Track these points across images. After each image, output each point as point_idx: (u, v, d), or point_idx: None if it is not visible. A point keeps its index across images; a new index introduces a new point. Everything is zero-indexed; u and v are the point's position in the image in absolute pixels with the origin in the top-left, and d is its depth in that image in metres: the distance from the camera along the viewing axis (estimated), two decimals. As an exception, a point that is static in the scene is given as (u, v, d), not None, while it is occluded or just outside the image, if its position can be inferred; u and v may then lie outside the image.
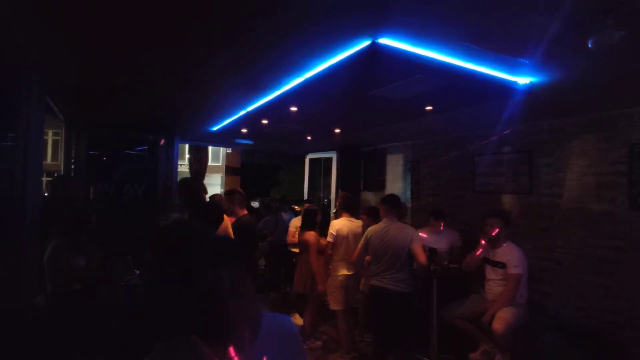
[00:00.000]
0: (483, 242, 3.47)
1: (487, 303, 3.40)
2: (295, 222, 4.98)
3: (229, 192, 3.96)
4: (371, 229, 3.48)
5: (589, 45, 1.69)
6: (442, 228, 4.19)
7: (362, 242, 3.50)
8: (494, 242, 3.42)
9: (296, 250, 4.80)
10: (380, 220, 3.53)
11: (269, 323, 1.03)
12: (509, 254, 3.30)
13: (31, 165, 2.27)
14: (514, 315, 3.16)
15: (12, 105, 2.19)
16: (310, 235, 3.93)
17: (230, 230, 3.31)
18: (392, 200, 3.53)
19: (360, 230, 3.99)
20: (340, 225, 3.87)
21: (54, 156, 20.02)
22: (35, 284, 2.44)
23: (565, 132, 3.60)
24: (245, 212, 3.86)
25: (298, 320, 4.54)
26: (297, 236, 4.90)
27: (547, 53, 2.03)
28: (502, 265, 3.31)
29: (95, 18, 1.86)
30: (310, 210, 4.13)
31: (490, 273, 3.42)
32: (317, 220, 4.07)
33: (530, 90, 2.67)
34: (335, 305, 3.83)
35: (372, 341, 3.75)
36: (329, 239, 3.83)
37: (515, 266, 3.22)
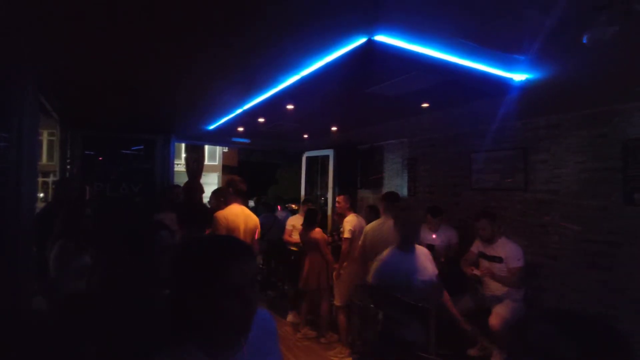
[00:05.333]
0: (479, 243, 3.55)
1: (485, 298, 3.42)
2: (292, 221, 4.98)
3: (217, 190, 3.98)
4: (369, 225, 3.53)
5: (584, 42, 1.70)
6: (439, 226, 4.21)
7: (362, 238, 3.54)
8: (488, 240, 3.46)
9: (295, 248, 4.81)
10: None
11: (257, 319, 1.04)
12: (508, 249, 3.32)
13: (26, 166, 2.25)
14: (511, 312, 3.18)
15: (5, 104, 2.17)
16: (318, 232, 4.02)
17: (259, 230, 3.37)
18: (391, 197, 3.56)
19: (363, 224, 4.04)
20: (356, 221, 3.91)
21: (49, 156, 19.91)
22: (32, 285, 2.43)
23: (560, 128, 3.62)
24: None
25: (295, 318, 4.56)
26: (293, 235, 4.91)
27: (542, 50, 2.04)
28: (499, 260, 3.33)
29: (90, 16, 1.85)
30: (311, 210, 4.26)
31: (488, 268, 3.44)
32: (318, 219, 4.18)
33: (525, 86, 2.68)
34: (339, 300, 3.85)
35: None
36: (346, 235, 3.83)
37: (518, 259, 3.26)
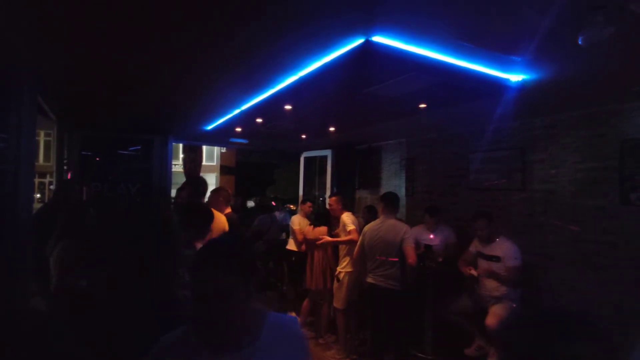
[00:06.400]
0: (477, 243, 3.56)
1: (482, 298, 3.43)
2: (297, 220, 4.88)
3: (214, 191, 3.97)
4: (367, 226, 3.52)
5: (579, 42, 1.71)
6: (437, 225, 4.22)
7: (360, 238, 3.53)
8: (487, 239, 3.47)
9: (304, 248, 4.75)
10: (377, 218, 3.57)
11: (273, 324, 1.03)
12: (506, 248, 3.34)
13: (23, 166, 2.25)
14: (507, 312, 3.19)
15: (2, 105, 2.17)
16: (326, 230, 4.05)
17: (227, 226, 3.35)
18: (389, 198, 3.55)
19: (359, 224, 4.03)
20: (353, 218, 3.90)
21: (46, 157, 19.82)
22: (30, 286, 2.42)
23: (557, 128, 3.64)
24: (230, 210, 3.92)
25: (294, 318, 4.56)
26: (305, 234, 4.81)
27: (538, 50, 2.05)
28: (497, 259, 3.34)
29: (88, 17, 1.85)
30: (324, 211, 4.38)
31: (485, 267, 3.45)
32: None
33: (522, 87, 2.69)
34: (339, 303, 3.83)
35: (369, 339, 3.77)
36: (351, 227, 3.73)
37: (515, 258, 3.27)
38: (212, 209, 3.31)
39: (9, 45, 2.10)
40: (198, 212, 2.63)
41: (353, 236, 3.70)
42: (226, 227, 3.37)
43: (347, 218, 3.88)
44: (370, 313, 3.59)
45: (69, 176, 4.72)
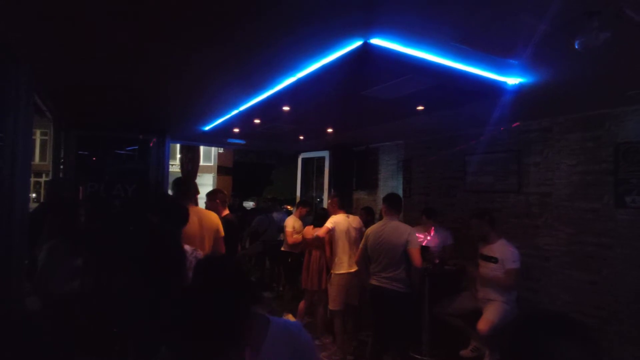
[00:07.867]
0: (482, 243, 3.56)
1: (478, 300, 3.44)
2: (291, 222, 4.88)
3: (211, 193, 3.95)
4: (370, 227, 3.47)
5: (576, 47, 1.73)
6: (433, 228, 4.23)
7: (363, 240, 3.50)
8: (485, 239, 3.48)
9: (299, 249, 4.76)
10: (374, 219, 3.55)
11: (277, 331, 1.02)
12: (505, 250, 3.33)
13: (19, 166, 2.24)
14: (500, 315, 3.18)
15: (0, 104, 2.15)
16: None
17: (221, 228, 3.29)
18: (391, 199, 3.50)
19: (357, 225, 4.01)
20: (338, 219, 3.88)
21: (42, 156, 19.70)
22: (26, 285, 2.40)
23: (553, 131, 3.67)
24: (228, 211, 3.89)
25: (292, 319, 4.56)
26: (294, 237, 4.83)
27: (535, 54, 2.07)
28: (495, 260, 3.34)
29: (85, 16, 1.84)
30: (323, 211, 4.43)
31: (483, 267, 3.46)
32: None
33: (519, 90, 2.71)
34: (333, 305, 3.81)
35: (369, 340, 3.76)
36: (328, 225, 3.83)
37: (514, 261, 3.27)
38: (199, 208, 3.24)
39: (6, 44, 2.09)
40: (172, 211, 2.57)
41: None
42: (219, 226, 3.27)
43: (328, 222, 3.93)
44: (374, 315, 3.54)
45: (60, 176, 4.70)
